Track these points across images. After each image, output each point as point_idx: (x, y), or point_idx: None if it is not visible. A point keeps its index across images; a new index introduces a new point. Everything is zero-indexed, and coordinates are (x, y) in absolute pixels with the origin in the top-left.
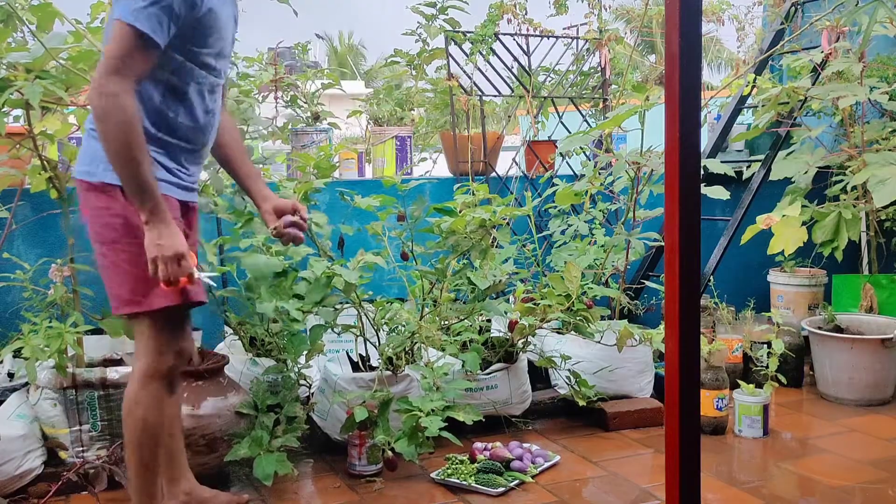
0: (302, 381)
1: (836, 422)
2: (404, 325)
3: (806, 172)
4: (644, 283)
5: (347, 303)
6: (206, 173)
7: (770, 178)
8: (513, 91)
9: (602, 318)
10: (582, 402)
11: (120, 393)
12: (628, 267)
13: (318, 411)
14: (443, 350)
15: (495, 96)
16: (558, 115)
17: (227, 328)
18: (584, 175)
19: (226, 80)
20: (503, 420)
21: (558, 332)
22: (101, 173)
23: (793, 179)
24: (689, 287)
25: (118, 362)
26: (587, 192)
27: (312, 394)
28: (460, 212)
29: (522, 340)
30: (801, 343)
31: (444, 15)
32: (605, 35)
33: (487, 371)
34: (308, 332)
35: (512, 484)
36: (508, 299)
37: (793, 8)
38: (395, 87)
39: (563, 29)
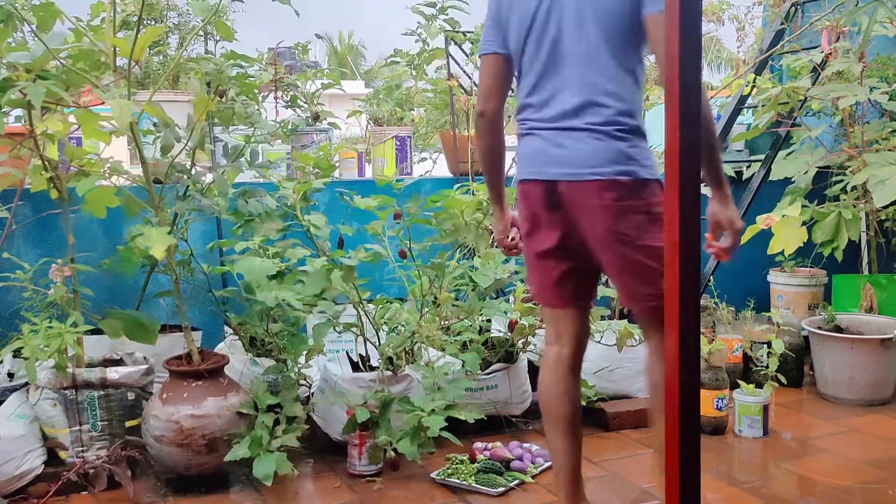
0: (302, 381)
1: (836, 422)
2: (404, 325)
3: (806, 172)
4: None
5: (347, 302)
6: (211, 175)
7: (770, 178)
8: (513, 91)
9: (602, 318)
10: (582, 402)
11: (120, 393)
12: None
13: (318, 411)
14: (443, 350)
15: None
16: None
17: (227, 328)
18: None
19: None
20: (503, 420)
21: None
22: (641, 171)
23: (793, 179)
24: (689, 287)
25: (118, 362)
26: None
27: (312, 394)
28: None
29: (522, 340)
30: (801, 343)
31: (444, 15)
32: None
33: (487, 371)
34: (309, 332)
35: (512, 484)
36: (508, 299)
37: (793, 8)
38: (395, 87)
39: None
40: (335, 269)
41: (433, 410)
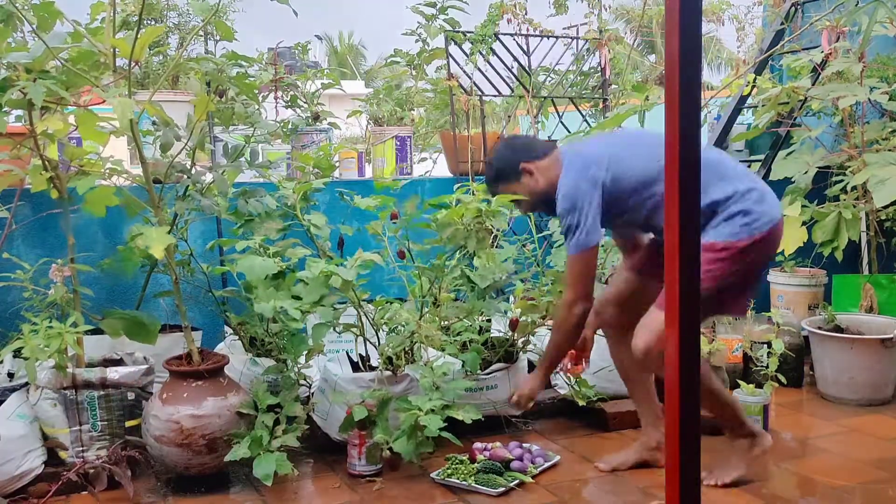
0: (302, 381)
1: (836, 422)
2: (404, 325)
3: (806, 172)
4: None
5: (346, 302)
6: (211, 175)
7: (770, 178)
8: (513, 91)
9: None
10: (582, 402)
11: (120, 393)
12: None
13: (318, 411)
14: (443, 350)
15: (495, 96)
16: (558, 115)
17: (227, 328)
18: None
19: None
20: (503, 420)
21: None
22: None
23: (793, 179)
24: (689, 287)
25: (118, 362)
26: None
27: (312, 394)
28: (456, 204)
29: (523, 339)
30: (801, 343)
31: (444, 15)
32: (605, 35)
33: (487, 371)
34: (309, 332)
35: (512, 484)
36: (508, 299)
37: (793, 8)
38: (395, 87)
39: (563, 29)
40: (334, 276)
41: (431, 410)
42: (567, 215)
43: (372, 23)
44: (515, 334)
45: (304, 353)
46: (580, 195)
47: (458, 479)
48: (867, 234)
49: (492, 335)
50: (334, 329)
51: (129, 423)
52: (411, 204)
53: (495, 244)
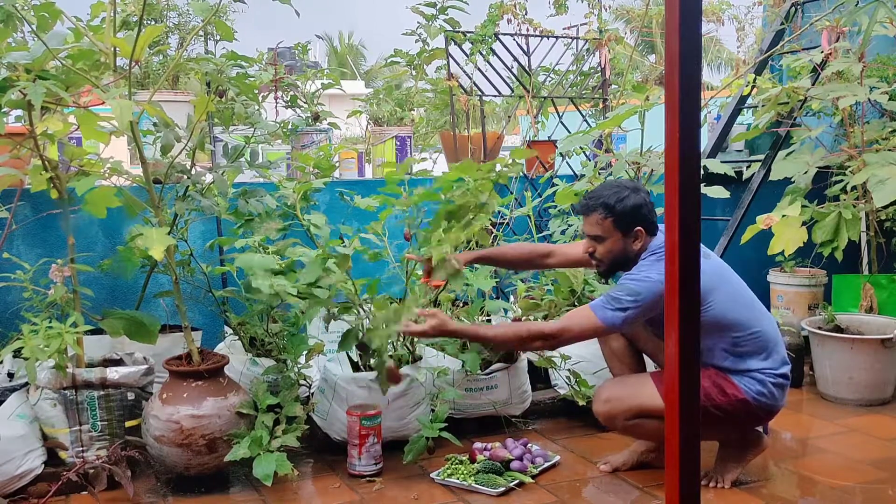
0: (302, 381)
1: (836, 422)
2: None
3: (806, 172)
4: None
5: (347, 302)
6: (211, 175)
7: (770, 178)
8: (513, 91)
9: None
10: (582, 402)
11: (120, 393)
12: None
13: (318, 411)
14: (443, 350)
15: (495, 96)
16: (558, 115)
17: (227, 328)
18: (584, 175)
19: None
20: (503, 420)
21: None
22: None
23: (793, 179)
24: (689, 287)
25: (118, 362)
26: (587, 192)
27: (312, 394)
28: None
29: None
30: (801, 343)
31: (444, 15)
32: (605, 35)
33: (487, 371)
34: (308, 332)
35: (512, 484)
36: (509, 298)
37: (793, 8)
38: (395, 87)
39: (563, 29)
40: (330, 258)
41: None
42: (626, 294)
43: (372, 23)
44: None
45: (304, 353)
46: (649, 295)
47: (458, 479)
48: (867, 234)
49: None
50: (329, 311)
51: (128, 423)
52: (423, 190)
53: (495, 244)
